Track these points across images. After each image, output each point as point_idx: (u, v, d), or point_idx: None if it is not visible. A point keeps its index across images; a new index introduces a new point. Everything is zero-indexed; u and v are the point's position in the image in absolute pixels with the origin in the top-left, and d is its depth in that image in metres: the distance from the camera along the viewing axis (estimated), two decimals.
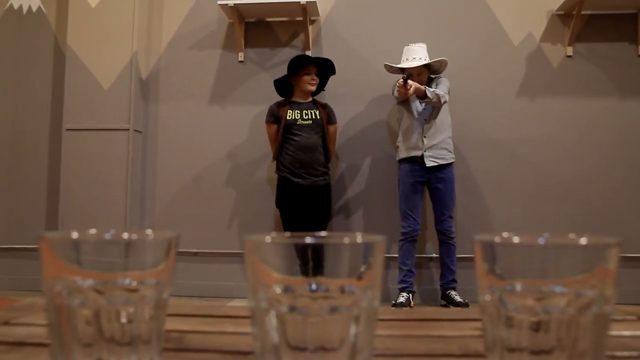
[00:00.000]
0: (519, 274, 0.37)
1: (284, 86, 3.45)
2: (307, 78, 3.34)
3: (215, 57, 3.88)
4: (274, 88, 3.72)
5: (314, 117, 3.34)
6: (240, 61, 3.85)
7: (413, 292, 3.30)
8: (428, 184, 3.28)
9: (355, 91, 3.69)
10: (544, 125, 3.64)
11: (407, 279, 3.25)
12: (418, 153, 3.23)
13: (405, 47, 3.35)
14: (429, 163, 3.20)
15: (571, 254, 0.36)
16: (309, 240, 0.34)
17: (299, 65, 3.33)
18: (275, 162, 3.44)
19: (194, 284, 3.66)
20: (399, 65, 3.33)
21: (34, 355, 0.48)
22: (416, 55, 3.28)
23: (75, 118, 3.77)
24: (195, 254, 3.75)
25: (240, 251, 3.70)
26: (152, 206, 3.86)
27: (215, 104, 3.86)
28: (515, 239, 0.36)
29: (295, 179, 3.30)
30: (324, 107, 3.42)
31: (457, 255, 3.28)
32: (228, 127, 3.82)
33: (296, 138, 3.30)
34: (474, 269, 0.38)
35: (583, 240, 0.35)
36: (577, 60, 3.67)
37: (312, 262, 0.35)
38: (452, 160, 3.27)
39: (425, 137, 3.22)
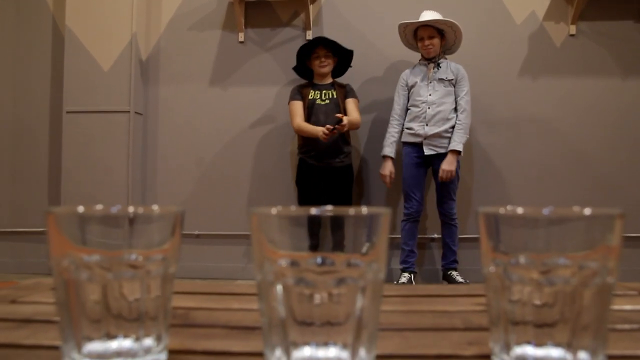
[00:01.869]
0: (523, 246, 0.37)
1: (304, 69, 3.46)
2: (316, 62, 3.35)
3: (215, 38, 3.85)
4: (274, 68, 3.70)
5: (331, 96, 3.36)
6: (241, 42, 3.82)
7: (415, 273, 3.31)
8: (431, 166, 3.28)
9: (356, 71, 3.67)
10: (546, 104, 3.62)
11: (409, 259, 3.27)
12: (418, 140, 3.23)
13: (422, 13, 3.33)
14: (428, 152, 3.22)
15: (575, 225, 0.36)
16: (314, 212, 0.35)
17: (305, 51, 3.35)
18: (297, 143, 3.46)
19: (197, 265, 3.68)
20: (411, 21, 3.27)
21: (41, 331, 0.49)
22: (427, 18, 3.25)
23: (76, 100, 3.75)
24: (198, 236, 3.77)
25: (242, 232, 3.71)
26: (154, 188, 3.87)
27: (215, 85, 3.84)
28: (519, 210, 0.36)
29: (310, 161, 3.34)
30: (342, 87, 3.43)
31: (459, 236, 3.29)
32: (229, 109, 3.81)
33: (314, 118, 3.31)
34: (476, 249, 0.39)
35: (587, 211, 0.35)
36: (580, 39, 3.63)
37: (318, 234, 0.35)
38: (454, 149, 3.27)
39: (427, 125, 3.22)
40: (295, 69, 3.45)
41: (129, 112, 3.71)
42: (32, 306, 0.59)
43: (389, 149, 3.30)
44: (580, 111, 3.59)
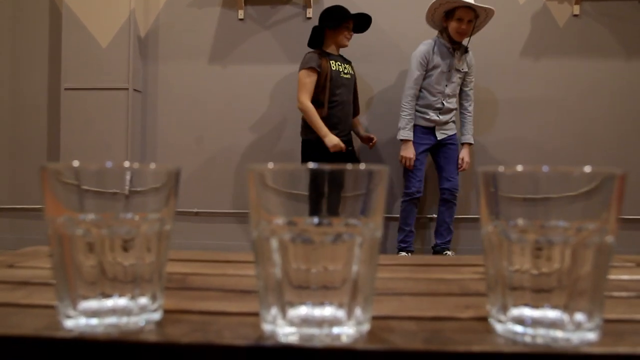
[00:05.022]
0: (523, 204, 0.36)
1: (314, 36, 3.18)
2: (346, 33, 3.15)
3: (214, 15, 3.80)
4: (274, 46, 3.66)
5: (352, 72, 3.25)
6: (240, 19, 3.78)
7: (412, 251, 3.33)
8: (436, 146, 3.25)
9: (360, 51, 3.63)
10: (548, 85, 3.59)
11: (408, 239, 3.28)
12: (432, 125, 3.20)
13: None
14: (440, 136, 3.23)
15: (575, 182, 0.35)
16: (311, 167, 0.34)
17: (342, 18, 3.09)
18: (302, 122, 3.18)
19: (195, 243, 3.69)
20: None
21: (38, 292, 0.49)
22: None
23: (74, 77, 3.72)
24: (197, 213, 3.77)
25: (241, 211, 3.72)
26: None
27: (215, 63, 3.80)
28: (519, 168, 0.36)
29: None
30: (350, 64, 3.28)
31: (457, 216, 3.30)
32: (228, 86, 3.78)
33: (337, 91, 3.11)
34: (474, 229, 0.38)
35: (587, 169, 0.35)
36: (583, 20, 3.59)
37: (315, 190, 0.34)
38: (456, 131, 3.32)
39: (440, 114, 3.20)
40: (315, 29, 3.13)
41: (127, 89, 3.68)
42: (29, 270, 0.59)
43: (410, 133, 3.17)
44: (583, 92, 3.57)
